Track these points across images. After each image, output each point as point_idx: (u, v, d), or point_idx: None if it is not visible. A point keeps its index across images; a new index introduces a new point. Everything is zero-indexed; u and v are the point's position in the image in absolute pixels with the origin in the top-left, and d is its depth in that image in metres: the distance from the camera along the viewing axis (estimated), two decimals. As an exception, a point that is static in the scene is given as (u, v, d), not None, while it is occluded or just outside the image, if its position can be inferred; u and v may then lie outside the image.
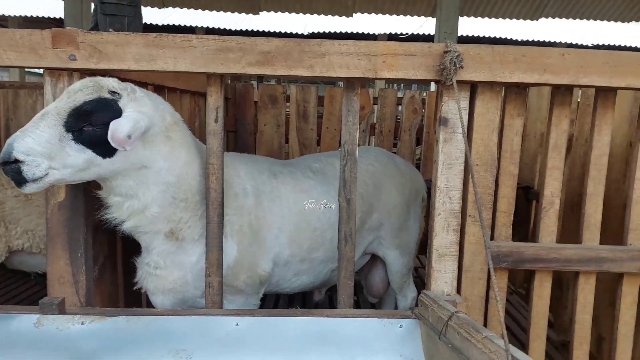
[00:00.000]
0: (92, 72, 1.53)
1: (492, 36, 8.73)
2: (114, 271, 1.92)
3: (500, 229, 1.67)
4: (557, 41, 9.03)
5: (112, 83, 1.46)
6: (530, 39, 8.84)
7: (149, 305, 2.10)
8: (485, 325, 1.66)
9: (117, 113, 1.42)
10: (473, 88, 1.58)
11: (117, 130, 1.37)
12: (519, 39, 8.81)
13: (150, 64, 1.48)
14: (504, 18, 7.69)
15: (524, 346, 1.84)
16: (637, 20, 7.35)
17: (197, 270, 1.71)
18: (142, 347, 1.47)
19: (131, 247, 2.10)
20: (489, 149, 1.59)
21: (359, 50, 1.49)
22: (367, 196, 2.11)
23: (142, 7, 8.32)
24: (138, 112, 1.44)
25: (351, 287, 1.64)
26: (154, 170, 1.55)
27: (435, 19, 7.55)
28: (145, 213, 1.58)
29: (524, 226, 2.94)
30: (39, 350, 1.46)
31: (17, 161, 1.33)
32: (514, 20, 7.73)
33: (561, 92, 1.64)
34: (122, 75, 1.69)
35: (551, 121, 1.66)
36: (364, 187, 2.10)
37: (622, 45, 9.29)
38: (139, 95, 1.50)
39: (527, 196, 2.92)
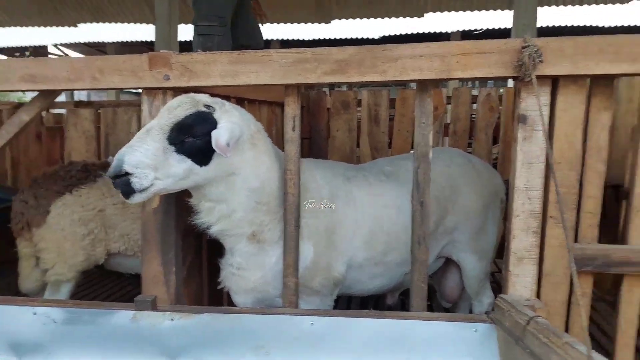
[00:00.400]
0: (184, 90, 1.66)
1: (576, 25, 8.14)
2: (199, 272, 2.06)
3: (585, 231, 1.57)
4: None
5: (205, 98, 1.60)
6: (620, 25, 8.12)
7: (230, 304, 2.23)
8: (567, 332, 1.57)
9: (214, 124, 1.56)
10: (554, 83, 1.51)
11: (219, 139, 1.51)
12: (607, 26, 8.13)
13: (234, 78, 1.58)
14: (589, 4, 7.14)
15: (609, 356, 1.71)
16: None
17: (276, 271, 1.79)
18: (225, 343, 1.57)
19: (214, 250, 2.24)
20: (573, 146, 1.51)
21: (432, 51, 1.49)
22: (443, 199, 2.07)
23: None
24: (231, 122, 1.57)
25: (425, 291, 1.63)
26: (241, 176, 1.65)
27: (511, 11, 7.22)
28: (232, 217, 1.69)
29: (614, 228, 2.73)
30: (134, 343, 1.61)
31: (126, 174, 1.47)
32: (601, 5, 7.15)
33: (655, 83, 1.52)
34: (209, 91, 1.84)
35: (644, 114, 1.54)
36: (439, 190, 2.05)
37: None
38: (228, 107, 1.64)
39: (617, 195, 2.70)
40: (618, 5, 7.03)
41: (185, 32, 10.21)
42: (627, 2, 6.94)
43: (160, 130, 1.51)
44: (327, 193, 1.89)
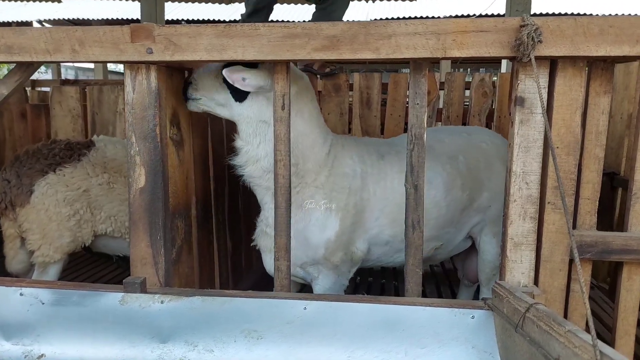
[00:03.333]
0: (168, 64, 1.60)
1: (569, 12, 8.10)
2: (189, 255, 2.01)
3: (583, 217, 1.55)
4: (647, 14, 8.20)
5: None
6: (615, 14, 8.10)
7: (223, 288, 2.20)
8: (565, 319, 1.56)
9: (255, 66, 1.78)
10: (552, 65, 1.47)
11: (237, 71, 1.73)
12: (602, 14, 8.10)
13: (220, 53, 1.52)
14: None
15: (608, 344, 1.71)
16: None
17: (302, 238, 1.90)
18: (216, 326, 1.54)
19: (204, 234, 2.20)
20: (571, 130, 1.48)
21: (427, 29, 1.44)
22: (478, 172, 2.11)
23: (211, 4, 8.54)
24: (263, 72, 1.76)
25: (419, 276, 1.61)
26: (271, 127, 1.74)
27: (506, -3, 7.14)
28: (258, 164, 1.86)
29: (608, 215, 2.73)
30: (123, 325, 1.57)
31: (190, 83, 1.84)
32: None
33: (656, 66, 1.49)
34: (195, 66, 1.81)
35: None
36: (475, 163, 2.12)
37: None
38: None
39: (612, 183, 2.70)
40: (612, -8, 6.99)
41: (172, 10, 9.99)
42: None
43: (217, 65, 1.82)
44: (360, 171, 1.95)
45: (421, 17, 9.32)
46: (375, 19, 9.16)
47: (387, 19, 9.13)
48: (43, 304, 1.61)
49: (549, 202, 1.51)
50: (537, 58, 1.40)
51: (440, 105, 3.89)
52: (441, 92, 3.89)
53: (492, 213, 2.17)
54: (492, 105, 3.72)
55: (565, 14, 8.15)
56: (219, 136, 2.41)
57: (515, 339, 1.28)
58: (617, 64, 2.24)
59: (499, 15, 8.53)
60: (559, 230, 1.51)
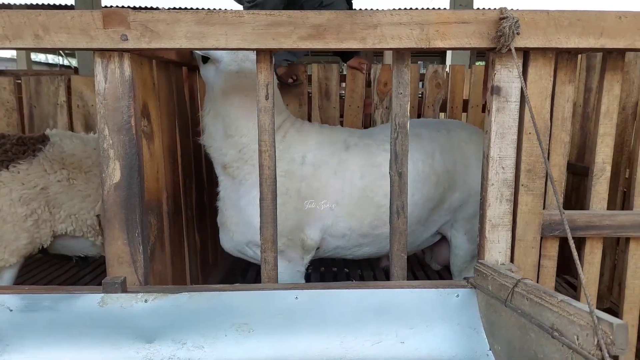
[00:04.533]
0: (141, 52, 1.53)
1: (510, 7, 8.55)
2: (162, 252, 1.95)
3: (551, 198, 1.67)
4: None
5: None
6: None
7: (193, 284, 2.14)
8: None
9: None
10: (525, 56, 1.56)
11: None
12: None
13: (201, 41, 1.47)
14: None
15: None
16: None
17: (245, 216, 1.94)
18: (204, 322, 1.50)
19: (176, 231, 2.13)
20: (542, 116, 1.58)
21: (412, 19, 1.47)
22: (453, 173, 2.10)
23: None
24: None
25: (404, 260, 1.65)
26: (217, 100, 1.96)
27: (448, -9, 7.43)
28: (207, 132, 2.03)
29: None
30: (104, 329, 1.49)
31: None
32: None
33: (613, 57, 1.62)
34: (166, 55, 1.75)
35: (603, 87, 1.64)
36: (451, 163, 2.10)
37: None
38: None
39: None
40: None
41: (110, -2, 9.42)
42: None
43: None
44: (313, 158, 1.93)
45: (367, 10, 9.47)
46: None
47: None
48: (11, 311, 1.49)
49: (522, 185, 1.60)
50: (515, 49, 1.48)
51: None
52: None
53: (464, 212, 2.19)
54: (445, 96, 3.87)
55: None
56: (186, 128, 2.34)
57: (501, 314, 1.36)
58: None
59: (442, 9, 8.80)
60: (532, 210, 1.62)
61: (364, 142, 2.08)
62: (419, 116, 3.93)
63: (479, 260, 1.58)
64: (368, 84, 3.80)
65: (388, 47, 1.49)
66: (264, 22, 1.47)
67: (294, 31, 1.47)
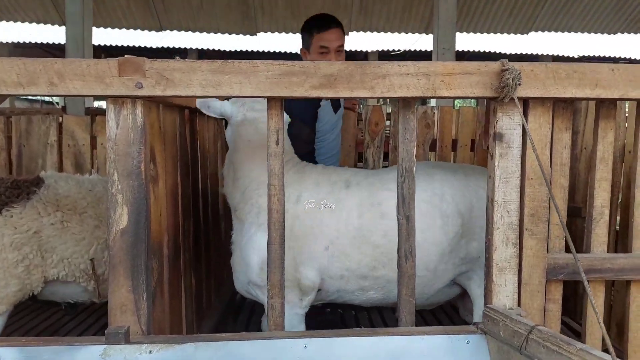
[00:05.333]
0: (154, 99, 1.54)
1: (486, 51, 8.94)
2: (162, 297, 1.90)
3: (553, 241, 1.71)
4: (545, 54, 9.29)
5: None
6: (520, 53, 9.07)
7: (189, 332, 2.08)
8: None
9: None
10: (525, 104, 1.63)
11: (205, 100, 2.16)
12: (511, 53, 9.03)
13: (216, 89, 1.49)
14: (495, 33, 7.90)
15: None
16: (622, 32, 7.60)
17: (243, 255, 2.04)
18: (213, 373, 1.46)
19: (175, 274, 2.10)
20: (542, 162, 1.63)
21: (419, 70, 1.53)
22: (469, 218, 1.99)
23: (140, 31, 8.31)
24: (225, 103, 2.18)
25: (413, 305, 1.65)
26: (230, 150, 2.22)
27: (430, 35, 7.72)
28: (225, 184, 2.22)
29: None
30: (107, 382, 1.43)
31: None
32: (505, 35, 7.94)
33: (606, 106, 1.70)
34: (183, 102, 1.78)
35: (597, 134, 1.71)
36: (465, 208, 1.99)
37: (608, 56, 9.59)
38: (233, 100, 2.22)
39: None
40: (519, 35, 7.85)
41: (100, 35, 9.55)
42: (527, 34, 7.78)
43: None
44: (307, 197, 1.98)
45: (351, 51, 9.75)
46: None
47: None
48: (8, 364, 1.43)
49: (526, 229, 1.64)
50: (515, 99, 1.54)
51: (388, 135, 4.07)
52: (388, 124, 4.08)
53: (482, 263, 1.97)
54: (434, 136, 3.97)
55: (491, 53, 8.98)
56: (186, 169, 2.34)
57: (515, 361, 1.36)
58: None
59: (425, 51, 9.16)
60: (536, 254, 1.65)
61: (368, 181, 2.08)
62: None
63: (487, 305, 1.59)
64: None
65: (396, 95, 1.54)
66: (277, 72, 1.51)
67: (307, 80, 1.51)
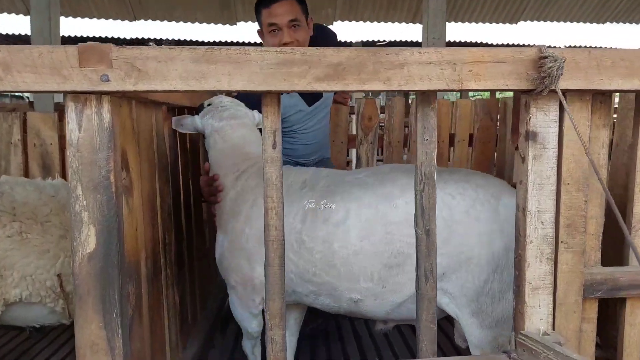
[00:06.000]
0: (126, 95, 1.28)
1: (474, 41, 8.78)
2: (140, 325, 1.65)
3: (589, 254, 1.50)
4: (534, 44, 9.17)
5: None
6: (509, 42, 8.93)
7: (173, 356, 1.84)
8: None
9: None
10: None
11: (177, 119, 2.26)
12: (500, 43, 8.89)
13: (200, 82, 1.23)
14: (483, 22, 7.74)
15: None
16: (611, 22, 7.52)
17: (218, 254, 2.12)
18: None
19: (156, 297, 1.85)
20: (580, 165, 1.42)
21: (442, 58, 1.30)
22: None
23: (112, 21, 7.90)
24: (195, 118, 2.27)
25: (434, 332, 1.43)
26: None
27: (418, 25, 7.53)
28: None
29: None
30: None
31: None
32: (494, 24, 7.78)
33: (650, 99, 1.50)
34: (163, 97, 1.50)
35: (638, 133, 1.51)
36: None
37: (597, 46, 9.55)
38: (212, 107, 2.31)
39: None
40: (508, 25, 7.70)
41: (69, 25, 9.07)
42: (516, 23, 7.65)
43: None
44: (261, 201, 1.84)
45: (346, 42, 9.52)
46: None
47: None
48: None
49: (562, 241, 1.43)
50: (551, 91, 1.32)
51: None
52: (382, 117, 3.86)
53: (458, 285, 1.72)
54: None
55: (480, 43, 8.82)
56: (165, 174, 2.07)
57: (563, 402, 1.15)
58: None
59: (414, 41, 8.95)
60: (572, 270, 1.44)
61: (324, 183, 1.92)
62: (404, 149, 3.80)
63: (521, 332, 1.37)
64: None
65: (416, 88, 1.31)
66: (273, 61, 1.25)
67: (310, 71, 1.26)
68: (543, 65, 1.27)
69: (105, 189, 1.29)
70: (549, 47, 1.32)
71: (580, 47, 9.78)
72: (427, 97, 1.39)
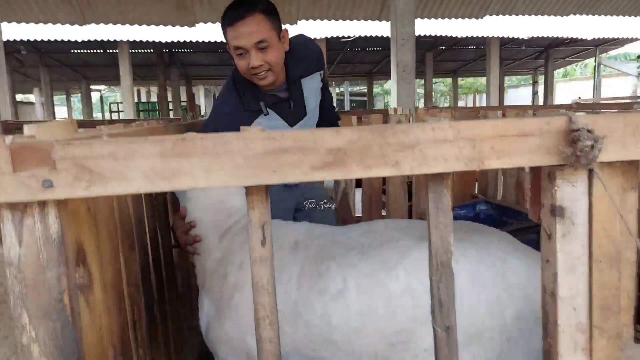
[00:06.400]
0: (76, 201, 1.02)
1: (442, 35, 8.67)
2: None
3: (621, 332, 1.35)
4: (497, 36, 9.16)
5: None
6: (475, 35, 8.88)
7: None
8: None
9: None
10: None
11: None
12: (466, 36, 8.83)
13: (171, 182, 0.99)
14: (450, 18, 7.62)
15: None
16: (575, 14, 7.55)
17: (204, 322, 1.86)
18: None
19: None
20: (612, 239, 1.26)
21: (459, 134, 1.10)
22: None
23: (61, 25, 7.34)
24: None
25: None
26: None
27: (383, 22, 7.34)
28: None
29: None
30: None
31: None
32: (460, 19, 7.69)
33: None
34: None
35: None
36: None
37: (560, 37, 9.63)
38: None
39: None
40: (474, 20, 7.63)
41: (13, 30, 8.40)
42: (482, 18, 7.58)
43: None
44: (241, 262, 1.74)
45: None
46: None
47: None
48: None
49: (595, 327, 1.27)
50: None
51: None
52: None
53: None
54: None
55: (440, 37, 8.71)
56: (130, 245, 1.80)
57: None
58: None
59: (379, 36, 8.75)
60: (608, 357, 1.29)
61: (318, 243, 1.71)
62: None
63: None
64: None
65: (431, 171, 1.10)
66: (260, 150, 1.02)
67: (305, 159, 1.04)
68: (577, 140, 1.09)
69: (60, 314, 1.04)
70: (576, 114, 1.14)
71: (542, 38, 9.84)
72: (440, 175, 1.19)
